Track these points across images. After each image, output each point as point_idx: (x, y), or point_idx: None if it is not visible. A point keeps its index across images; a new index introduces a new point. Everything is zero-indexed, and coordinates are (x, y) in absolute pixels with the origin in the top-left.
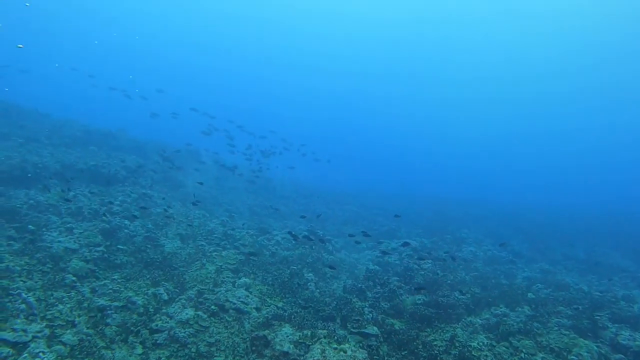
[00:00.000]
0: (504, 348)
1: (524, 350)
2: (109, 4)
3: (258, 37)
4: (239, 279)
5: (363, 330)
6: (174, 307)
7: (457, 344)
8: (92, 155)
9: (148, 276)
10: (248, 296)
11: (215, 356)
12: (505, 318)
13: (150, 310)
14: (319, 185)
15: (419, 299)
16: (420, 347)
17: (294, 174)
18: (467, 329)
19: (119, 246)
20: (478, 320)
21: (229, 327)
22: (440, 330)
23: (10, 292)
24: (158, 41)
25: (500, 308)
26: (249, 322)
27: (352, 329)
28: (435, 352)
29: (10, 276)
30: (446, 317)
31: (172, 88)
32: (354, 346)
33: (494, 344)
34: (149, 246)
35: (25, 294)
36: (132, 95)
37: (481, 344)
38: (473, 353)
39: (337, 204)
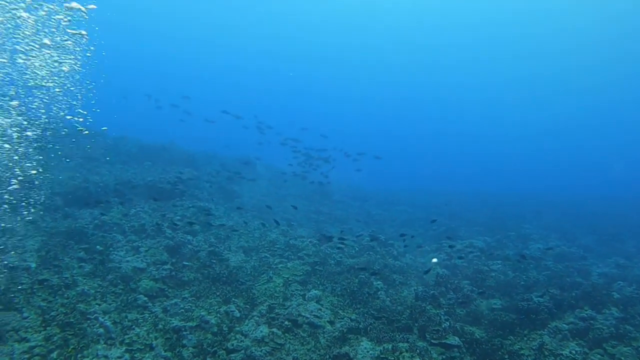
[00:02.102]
0: (599, 356)
1: (622, 358)
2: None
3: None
4: (309, 291)
5: (444, 341)
6: (247, 325)
7: (546, 353)
8: (148, 171)
9: (217, 293)
10: (320, 309)
11: None
12: (593, 322)
13: (225, 329)
14: (371, 186)
15: (495, 304)
16: (506, 357)
17: (341, 176)
18: (555, 335)
19: (184, 262)
20: (564, 325)
21: (304, 343)
22: (525, 338)
23: (88, 316)
24: (171, 45)
25: (586, 310)
26: (324, 337)
27: (432, 340)
28: None
29: (86, 300)
30: (529, 322)
31: (197, 93)
32: None
33: (587, 351)
34: (214, 261)
35: (102, 317)
36: (164, 104)
37: (573, 352)
38: None
39: (392, 205)
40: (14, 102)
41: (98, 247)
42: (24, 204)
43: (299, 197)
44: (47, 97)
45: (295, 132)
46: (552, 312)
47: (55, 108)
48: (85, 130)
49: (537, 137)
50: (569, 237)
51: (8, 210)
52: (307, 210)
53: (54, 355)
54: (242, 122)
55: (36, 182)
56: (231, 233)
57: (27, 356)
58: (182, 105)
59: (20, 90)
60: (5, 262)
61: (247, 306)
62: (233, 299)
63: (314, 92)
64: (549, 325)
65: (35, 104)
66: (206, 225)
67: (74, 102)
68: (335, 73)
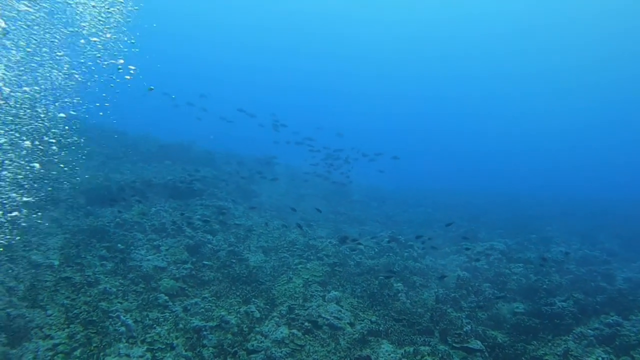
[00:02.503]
0: None
1: None
2: None
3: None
4: (329, 292)
5: (466, 344)
6: (267, 326)
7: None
8: (168, 170)
9: (237, 293)
10: (340, 311)
11: None
12: (619, 328)
13: (245, 329)
14: (389, 186)
15: (518, 308)
16: None
17: (360, 176)
18: (580, 341)
19: (204, 262)
20: (589, 331)
21: (324, 345)
22: (549, 344)
23: (110, 314)
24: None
25: (612, 316)
26: (344, 339)
27: (453, 344)
28: None
29: (108, 298)
30: (553, 327)
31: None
32: None
33: (614, 358)
34: (233, 261)
35: (124, 316)
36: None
37: (600, 359)
38: None
39: (410, 206)
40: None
41: (119, 245)
42: (47, 200)
43: (317, 197)
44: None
45: (310, 130)
46: (576, 318)
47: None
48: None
49: (557, 135)
50: (591, 240)
51: (33, 207)
52: (325, 211)
53: (77, 353)
54: (257, 120)
55: (62, 180)
56: (250, 233)
57: (51, 353)
58: (198, 104)
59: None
60: (30, 260)
61: (267, 307)
62: (253, 299)
63: (327, 90)
64: (573, 331)
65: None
66: (225, 224)
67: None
68: (345, 69)
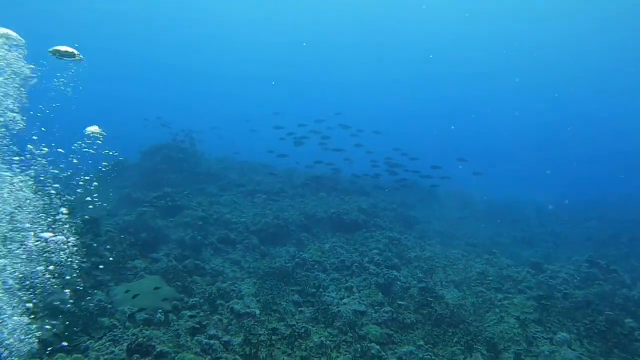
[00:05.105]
0: None
1: None
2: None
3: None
4: (555, 334)
5: None
6: None
7: None
8: (326, 202)
9: (453, 338)
10: (580, 358)
11: None
12: None
13: None
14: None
15: None
16: None
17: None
18: None
19: (399, 302)
20: None
21: None
22: None
23: None
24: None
25: None
26: None
27: None
28: None
29: (325, 352)
30: None
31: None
32: None
33: None
34: (430, 299)
35: None
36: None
37: None
38: None
39: (576, 222)
40: None
41: (308, 288)
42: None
43: (473, 219)
44: None
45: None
46: None
47: None
48: None
49: None
50: None
51: (211, 251)
52: (488, 234)
53: None
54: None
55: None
56: (433, 265)
57: None
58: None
59: None
60: (232, 309)
61: (492, 354)
62: (476, 346)
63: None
64: None
65: None
66: (403, 257)
67: None
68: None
